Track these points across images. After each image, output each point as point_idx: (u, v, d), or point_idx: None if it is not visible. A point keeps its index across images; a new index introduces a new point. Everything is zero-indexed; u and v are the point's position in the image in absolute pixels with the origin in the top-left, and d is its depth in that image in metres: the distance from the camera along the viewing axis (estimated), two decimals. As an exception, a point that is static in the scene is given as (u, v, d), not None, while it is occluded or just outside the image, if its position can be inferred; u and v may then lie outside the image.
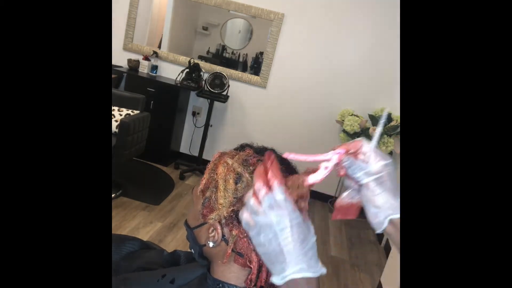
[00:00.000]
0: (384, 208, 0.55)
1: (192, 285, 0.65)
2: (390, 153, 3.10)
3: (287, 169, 0.61)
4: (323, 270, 0.48)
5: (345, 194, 0.60)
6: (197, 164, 3.60)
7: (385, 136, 3.08)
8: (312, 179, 0.50)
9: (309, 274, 0.47)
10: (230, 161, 0.60)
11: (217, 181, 0.60)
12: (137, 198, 2.88)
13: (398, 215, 0.55)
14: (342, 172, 0.56)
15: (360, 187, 0.58)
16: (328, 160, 0.53)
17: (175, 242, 2.49)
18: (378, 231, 0.57)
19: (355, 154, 0.56)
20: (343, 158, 0.55)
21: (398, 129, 3.05)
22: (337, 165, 0.54)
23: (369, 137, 3.10)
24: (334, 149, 0.55)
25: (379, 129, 0.58)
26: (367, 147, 0.56)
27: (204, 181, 0.63)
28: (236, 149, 0.65)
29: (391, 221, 0.55)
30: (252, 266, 0.58)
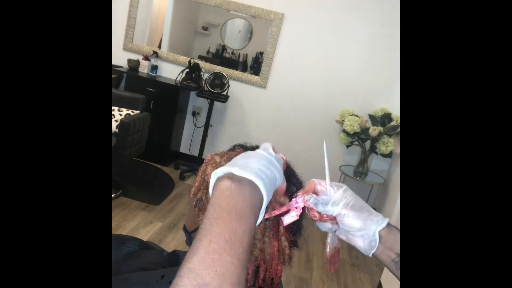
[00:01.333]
0: (368, 224, 0.56)
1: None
2: (390, 153, 3.10)
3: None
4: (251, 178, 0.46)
5: (328, 243, 0.61)
6: (197, 164, 3.59)
7: (385, 136, 3.08)
8: (287, 220, 0.56)
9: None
10: (218, 159, 0.60)
11: (207, 182, 0.59)
12: (137, 198, 2.88)
13: (385, 224, 0.56)
14: (316, 215, 0.58)
15: (333, 224, 0.59)
16: (296, 207, 0.57)
17: (175, 242, 2.49)
18: (373, 250, 0.57)
19: (313, 192, 0.58)
20: (306, 198, 0.57)
21: (398, 129, 3.05)
22: (306, 209, 0.57)
23: (369, 137, 3.10)
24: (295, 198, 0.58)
25: (326, 164, 0.61)
26: (322, 184, 0.59)
27: (196, 184, 0.62)
28: (229, 150, 0.65)
29: (380, 235, 0.56)
30: (248, 267, 0.58)
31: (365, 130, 3.11)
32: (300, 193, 0.58)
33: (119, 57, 3.68)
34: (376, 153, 3.19)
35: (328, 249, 0.61)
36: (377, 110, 3.25)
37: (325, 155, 0.61)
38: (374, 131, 3.03)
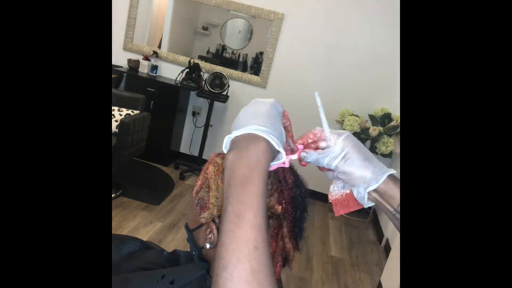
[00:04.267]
0: (359, 183, 0.57)
1: (192, 287, 0.65)
2: (390, 153, 3.10)
3: None
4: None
5: (332, 187, 0.62)
6: (197, 164, 3.60)
7: (385, 136, 3.08)
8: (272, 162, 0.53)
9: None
10: (219, 160, 0.60)
11: (209, 181, 0.60)
12: (137, 198, 2.88)
13: (375, 185, 0.56)
14: (304, 163, 0.60)
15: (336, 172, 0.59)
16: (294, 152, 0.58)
17: (175, 242, 2.49)
18: (365, 206, 0.59)
19: (315, 144, 0.61)
20: (302, 154, 0.59)
21: (398, 129, 3.05)
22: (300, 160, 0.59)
23: (369, 137, 3.10)
24: (296, 143, 0.60)
25: (322, 114, 0.65)
26: (325, 133, 0.61)
27: (199, 182, 0.63)
28: None
29: (370, 193, 0.57)
30: None
31: (365, 130, 3.12)
32: (299, 142, 0.61)
33: (119, 57, 3.68)
34: (376, 153, 3.19)
35: (330, 193, 0.62)
36: (377, 110, 3.25)
37: (320, 106, 0.65)
38: (374, 131, 3.03)
